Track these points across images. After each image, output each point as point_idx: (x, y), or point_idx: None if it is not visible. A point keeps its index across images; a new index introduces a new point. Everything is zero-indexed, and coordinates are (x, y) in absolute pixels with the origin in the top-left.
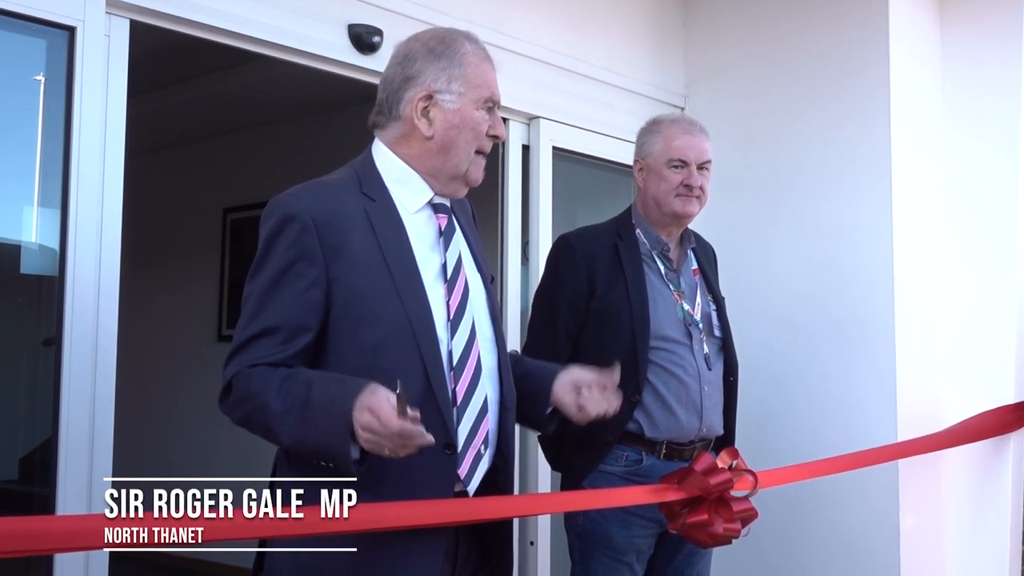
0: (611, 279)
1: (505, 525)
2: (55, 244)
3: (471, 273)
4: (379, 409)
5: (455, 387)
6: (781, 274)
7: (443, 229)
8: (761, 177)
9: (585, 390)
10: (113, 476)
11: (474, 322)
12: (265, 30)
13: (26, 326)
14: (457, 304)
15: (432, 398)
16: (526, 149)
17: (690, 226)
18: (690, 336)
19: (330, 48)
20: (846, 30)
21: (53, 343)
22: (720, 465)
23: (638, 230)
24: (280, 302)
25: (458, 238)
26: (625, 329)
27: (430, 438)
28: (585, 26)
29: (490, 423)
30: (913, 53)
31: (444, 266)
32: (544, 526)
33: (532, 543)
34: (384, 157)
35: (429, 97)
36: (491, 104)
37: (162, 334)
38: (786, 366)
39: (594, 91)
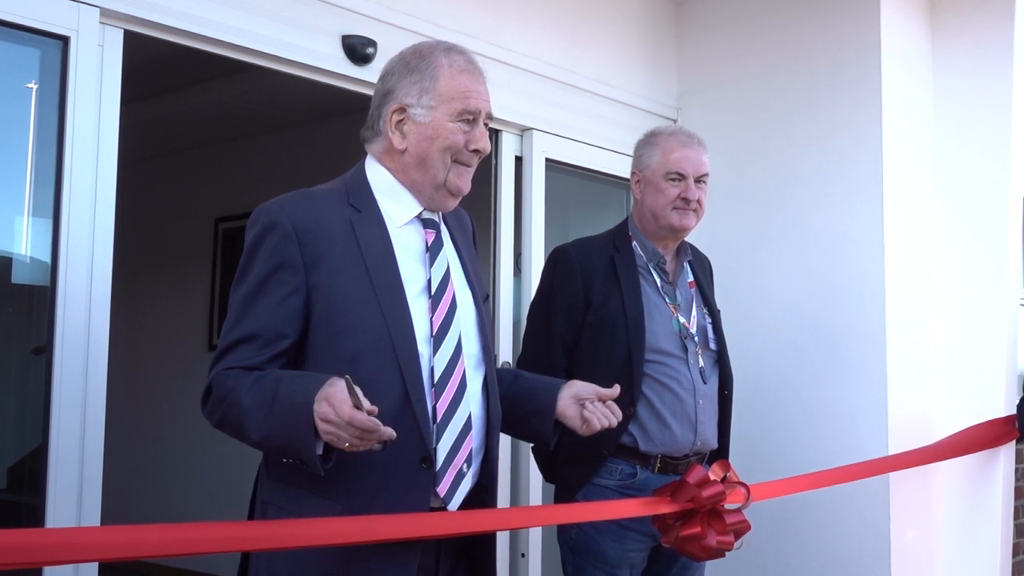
0: (607, 291)
1: (489, 540)
2: (47, 253)
3: (461, 290)
4: (333, 398)
5: (436, 403)
6: (773, 286)
7: (430, 244)
8: (753, 189)
9: (588, 403)
10: (103, 485)
11: (460, 339)
12: (260, 41)
13: (17, 335)
14: (441, 320)
15: (409, 411)
16: (519, 161)
17: (685, 238)
18: (685, 349)
19: (324, 59)
20: (838, 43)
21: (44, 352)
22: (712, 478)
23: (635, 242)
24: (260, 309)
25: (446, 254)
26: (621, 341)
27: (388, 431)
28: (579, 38)
29: (474, 441)
30: (904, 65)
31: (429, 281)
32: (535, 538)
33: (523, 555)
34: (374, 170)
35: (402, 111)
36: (469, 116)
37: (153, 343)
38: (777, 378)
39: (587, 103)
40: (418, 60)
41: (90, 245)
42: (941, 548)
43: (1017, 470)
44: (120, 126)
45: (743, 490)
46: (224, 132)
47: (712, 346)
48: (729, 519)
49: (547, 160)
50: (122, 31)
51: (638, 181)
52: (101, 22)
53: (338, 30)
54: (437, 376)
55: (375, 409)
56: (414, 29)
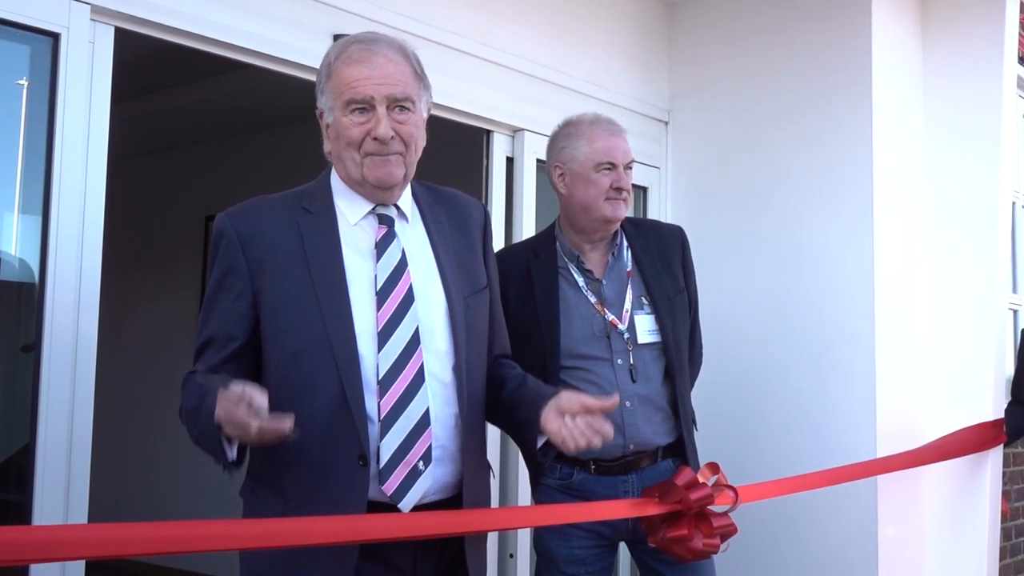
0: (523, 299)
1: (464, 540)
2: (36, 250)
3: (426, 285)
4: (222, 398)
5: (380, 400)
6: (761, 288)
7: (377, 241)
8: (743, 191)
9: (568, 418)
10: (91, 483)
11: (417, 335)
12: (251, 39)
13: (5, 332)
14: (388, 317)
15: (346, 409)
16: (510, 161)
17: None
18: (611, 350)
19: (316, 58)
20: (829, 46)
21: (32, 349)
22: (701, 480)
23: (558, 243)
24: (216, 314)
25: (401, 248)
26: (536, 350)
27: (255, 397)
28: (571, 39)
29: (441, 439)
30: (895, 68)
31: (376, 278)
32: (524, 539)
33: (512, 555)
34: (335, 172)
35: (321, 116)
36: (358, 107)
37: (143, 340)
38: (765, 381)
39: (579, 104)
40: (321, 64)
41: (79, 242)
42: (929, 551)
43: (1004, 474)
44: (110, 123)
45: (731, 493)
46: (215, 130)
47: (652, 339)
48: (716, 522)
49: (538, 161)
50: (113, 28)
51: (562, 174)
52: (92, 19)
53: (329, 28)
54: (382, 373)
55: (249, 401)
56: (404, 28)
